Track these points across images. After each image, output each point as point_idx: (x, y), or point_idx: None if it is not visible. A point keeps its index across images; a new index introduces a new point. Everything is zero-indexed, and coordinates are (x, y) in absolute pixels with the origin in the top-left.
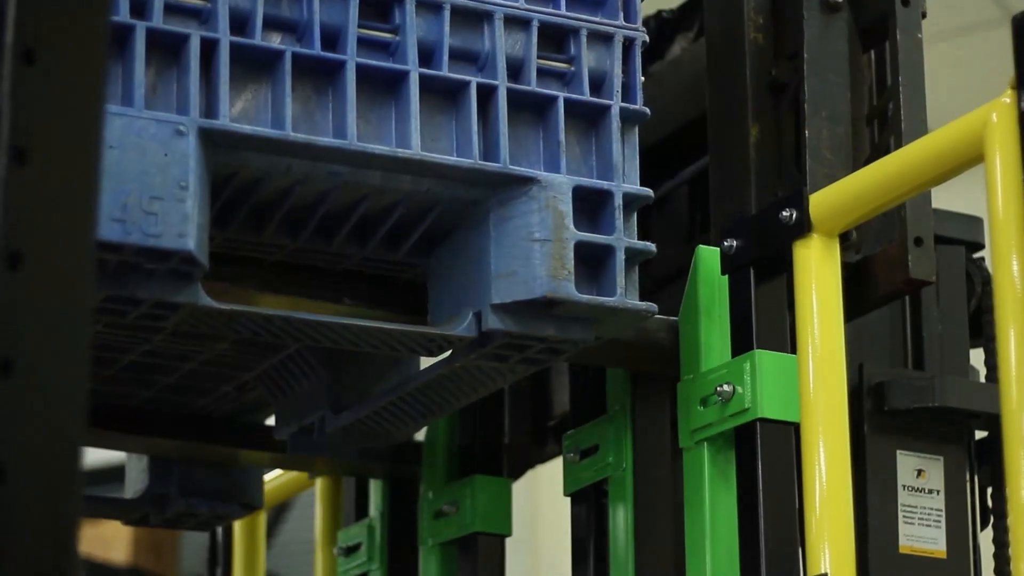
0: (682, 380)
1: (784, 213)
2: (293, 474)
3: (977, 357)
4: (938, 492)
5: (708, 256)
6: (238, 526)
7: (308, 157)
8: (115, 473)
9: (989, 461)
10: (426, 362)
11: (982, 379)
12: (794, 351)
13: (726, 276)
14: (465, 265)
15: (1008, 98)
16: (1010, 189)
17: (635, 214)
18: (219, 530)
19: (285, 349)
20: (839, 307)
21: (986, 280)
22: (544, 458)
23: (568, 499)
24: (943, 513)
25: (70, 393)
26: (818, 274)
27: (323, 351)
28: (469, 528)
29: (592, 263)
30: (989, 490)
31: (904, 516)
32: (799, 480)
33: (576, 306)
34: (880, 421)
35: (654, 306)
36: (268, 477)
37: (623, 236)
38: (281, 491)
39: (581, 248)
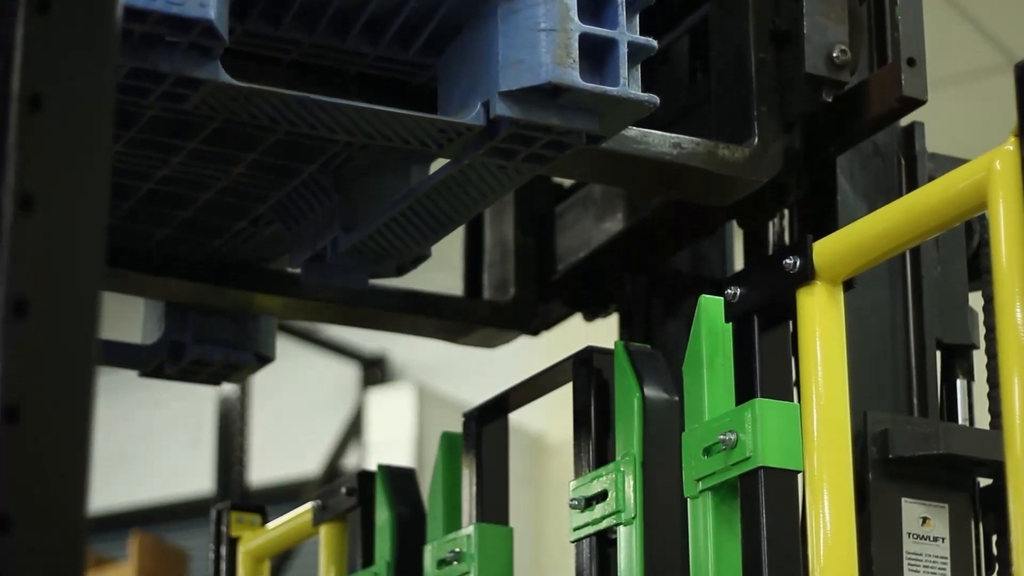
0: (686, 429)
1: (788, 261)
2: (297, 521)
3: (976, 300)
4: (943, 540)
5: (711, 305)
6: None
7: None
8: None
9: (994, 508)
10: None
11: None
12: (798, 399)
13: (729, 324)
14: (473, 60)
15: (1011, 145)
16: (1013, 236)
17: (637, 14)
18: None
19: (299, 174)
20: (843, 355)
21: (984, 227)
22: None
23: (573, 546)
24: (948, 561)
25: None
26: (822, 322)
27: (336, 175)
28: None
29: (596, 56)
30: (994, 537)
31: (909, 564)
32: (803, 528)
33: (580, 94)
34: (885, 468)
35: (655, 97)
36: (271, 525)
37: (625, 31)
38: (285, 539)
39: (585, 41)
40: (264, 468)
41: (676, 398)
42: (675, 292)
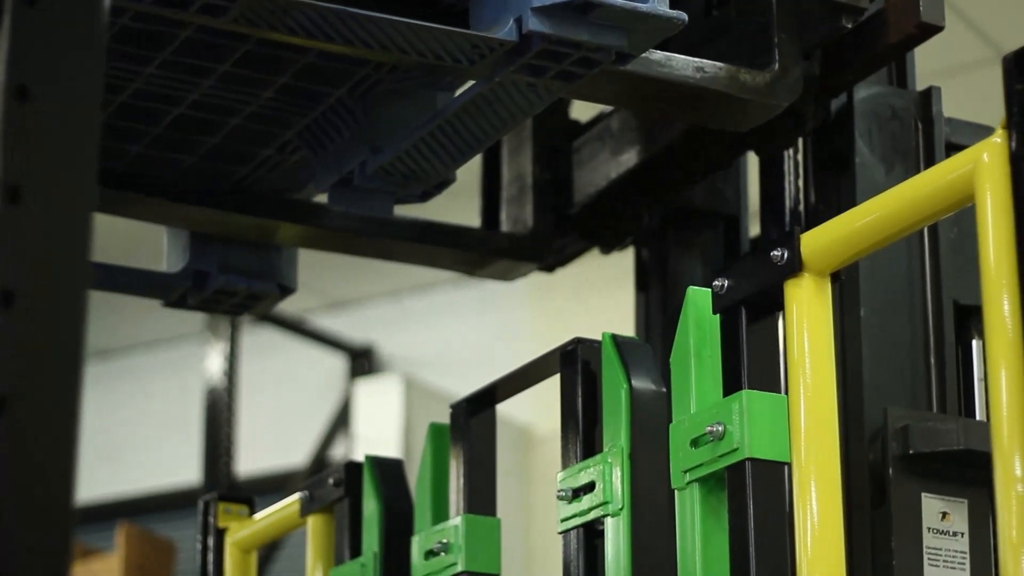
0: (674, 421)
1: (775, 252)
2: (285, 512)
3: None
4: (963, 534)
5: (699, 296)
6: (229, 568)
7: None
8: (103, 512)
9: None
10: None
11: None
12: (785, 391)
13: (717, 316)
14: None
15: (999, 138)
16: (1001, 229)
17: None
18: (210, 572)
19: (327, 99)
20: (831, 346)
21: None
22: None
23: (560, 537)
24: (968, 555)
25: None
26: (810, 313)
27: (363, 99)
28: (459, 568)
29: None
30: None
31: (929, 559)
32: (791, 520)
33: (611, 10)
34: (904, 464)
35: (683, 15)
36: (258, 517)
37: None
38: (272, 530)
39: None
40: (251, 459)
41: (664, 389)
42: (691, 225)
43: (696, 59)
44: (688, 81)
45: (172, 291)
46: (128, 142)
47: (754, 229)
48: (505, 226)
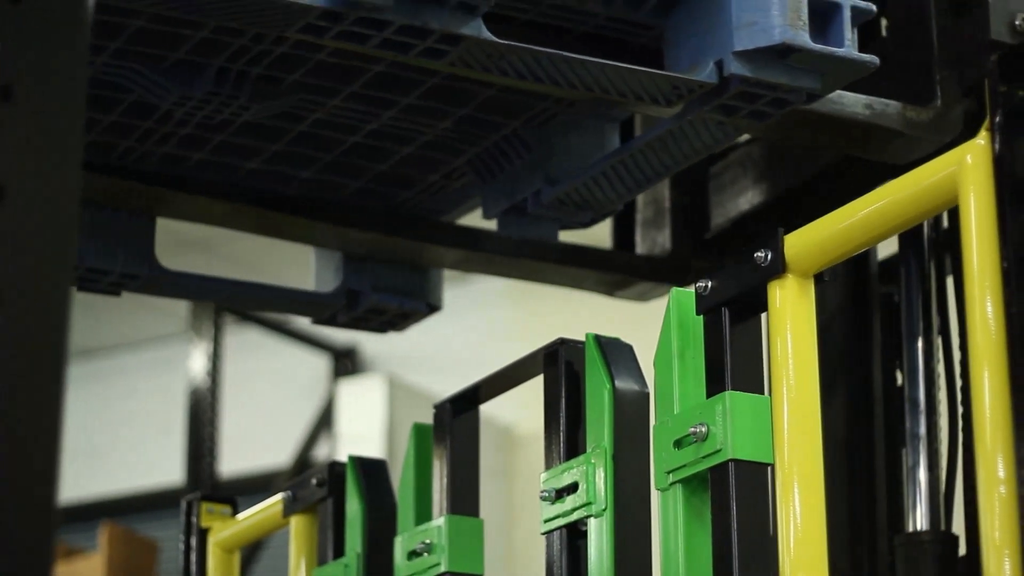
0: (657, 422)
1: (759, 254)
2: (268, 513)
3: None
4: None
5: (682, 297)
6: (211, 568)
7: None
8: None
9: None
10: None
11: None
12: (769, 392)
13: (700, 317)
14: (704, 22)
15: (982, 140)
16: (984, 231)
17: None
18: (193, 572)
19: (502, 130)
20: (814, 348)
21: None
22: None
23: (544, 538)
24: None
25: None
26: (793, 315)
27: (539, 129)
28: (442, 568)
29: (818, 20)
30: None
31: None
32: (774, 521)
33: (809, 54)
34: None
35: (876, 59)
36: (241, 517)
37: None
38: (255, 530)
39: (811, 4)
40: (234, 459)
41: (647, 390)
42: None
43: (865, 96)
44: (858, 117)
45: (324, 310)
46: (300, 168)
47: (883, 252)
48: (640, 248)
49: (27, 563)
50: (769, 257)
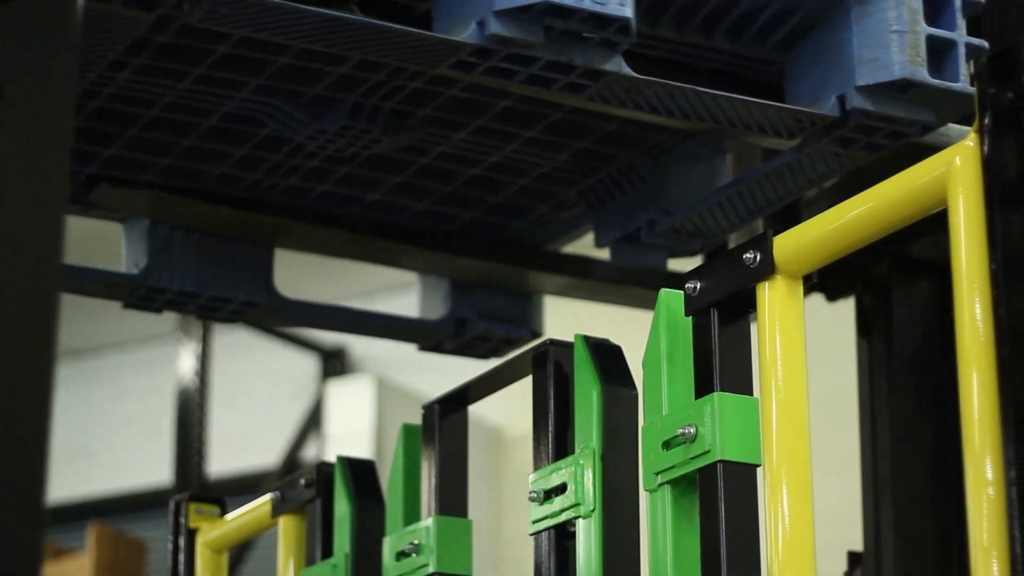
0: (645, 423)
1: (748, 255)
2: (256, 513)
3: None
4: None
5: (671, 298)
6: (200, 568)
7: None
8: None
9: None
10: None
11: None
12: (758, 393)
13: (689, 318)
14: (825, 57)
15: (971, 142)
16: (973, 233)
17: (966, 17)
18: (181, 572)
19: (617, 162)
20: (803, 349)
21: None
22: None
23: (532, 539)
24: None
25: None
26: (782, 316)
27: (654, 161)
28: (430, 569)
29: (934, 56)
30: None
31: None
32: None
33: (927, 89)
34: None
35: None
36: (230, 517)
37: (963, 33)
38: (243, 531)
39: (929, 41)
40: (223, 459)
41: (636, 391)
42: (914, 276)
43: (966, 127)
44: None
45: (432, 337)
46: (418, 199)
47: None
48: None
49: (16, 563)
50: (758, 258)
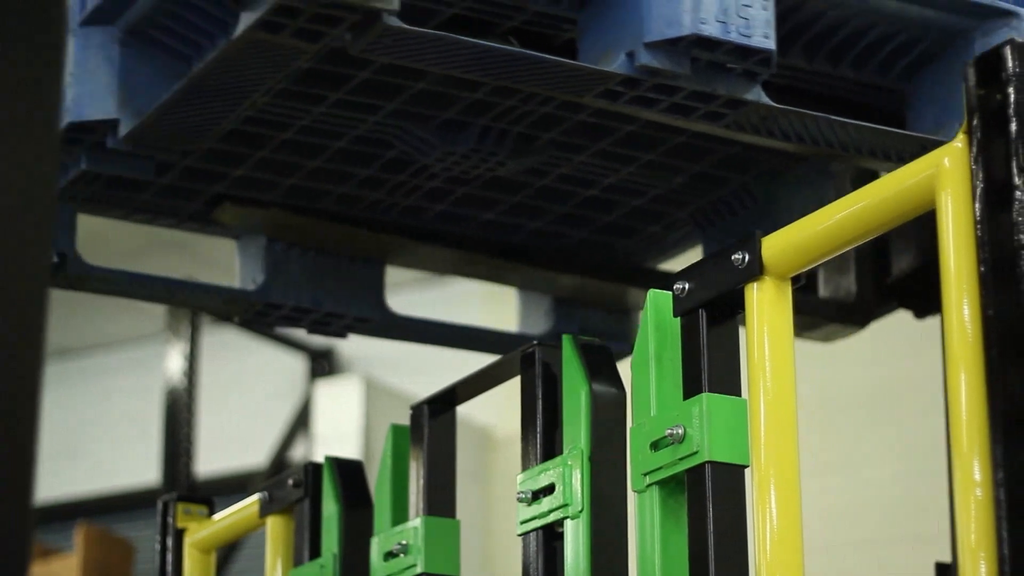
0: (634, 424)
1: (736, 256)
2: (244, 513)
3: None
4: None
5: (659, 299)
6: (188, 568)
7: None
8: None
9: None
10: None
11: None
12: (746, 394)
13: (678, 319)
14: (947, 84)
15: (960, 143)
16: (961, 234)
17: None
18: (169, 572)
19: (729, 184)
20: (791, 350)
21: None
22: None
23: (520, 539)
24: None
25: None
26: (770, 317)
27: (765, 183)
28: (418, 569)
29: None
30: None
31: None
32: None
33: None
34: None
35: None
36: (218, 517)
37: None
38: (231, 531)
39: None
40: (211, 460)
41: (624, 392)
42: None
43: None
44: None
45: None
46: (533, 219)
47: None
48: (823, 291)
49: (3, 563)
50: (746, 259)
